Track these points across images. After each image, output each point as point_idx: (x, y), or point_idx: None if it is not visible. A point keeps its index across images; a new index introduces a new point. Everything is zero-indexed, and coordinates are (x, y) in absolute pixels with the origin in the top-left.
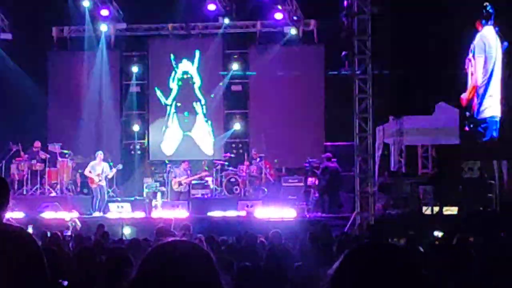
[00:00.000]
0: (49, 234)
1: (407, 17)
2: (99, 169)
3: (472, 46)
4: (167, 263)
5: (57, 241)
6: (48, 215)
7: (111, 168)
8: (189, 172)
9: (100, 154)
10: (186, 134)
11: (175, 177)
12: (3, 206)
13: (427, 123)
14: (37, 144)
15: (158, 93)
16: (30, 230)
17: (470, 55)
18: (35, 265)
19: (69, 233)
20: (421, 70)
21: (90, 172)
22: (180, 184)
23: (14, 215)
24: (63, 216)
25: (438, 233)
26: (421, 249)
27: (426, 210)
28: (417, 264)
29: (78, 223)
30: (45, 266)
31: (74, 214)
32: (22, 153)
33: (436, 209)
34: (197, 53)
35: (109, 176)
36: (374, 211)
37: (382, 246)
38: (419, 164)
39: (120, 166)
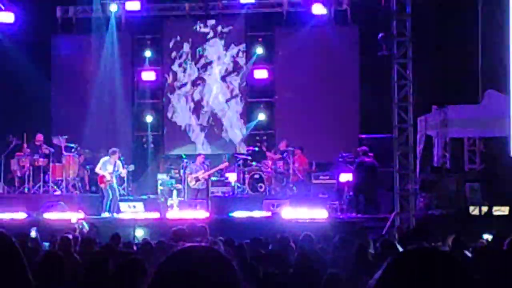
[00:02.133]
0: (58, 238)
1: None
2: (111, 168)
3: None
4: (185, 271)
5: (66, 246)
6: (51, 215)
7: (123, 166)
8: (206, 166)
9: (115, 154)
10: (206, 125)
11: (191, 173)
12: None
13: (474, 113)
14: (40, 137)
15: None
16: (33, 233)
17: None
18: (12, 267)
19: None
20: (468, 53)
21: (100, 169)
22: (197, 180)
23: (15, 215)
24: (69, 217)
25: (487, 236)
26: (468, 254)
27: (474, 210)
28: (470, 274)
29: (86, 225)
30: (26, 269)
31: (81, 215)
32: (24, 147)
33: (484, 209)
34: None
35: (122, 175)
36: (415, 211)
37: (433, 254)
38: (465, 158)
39: (131, 167)
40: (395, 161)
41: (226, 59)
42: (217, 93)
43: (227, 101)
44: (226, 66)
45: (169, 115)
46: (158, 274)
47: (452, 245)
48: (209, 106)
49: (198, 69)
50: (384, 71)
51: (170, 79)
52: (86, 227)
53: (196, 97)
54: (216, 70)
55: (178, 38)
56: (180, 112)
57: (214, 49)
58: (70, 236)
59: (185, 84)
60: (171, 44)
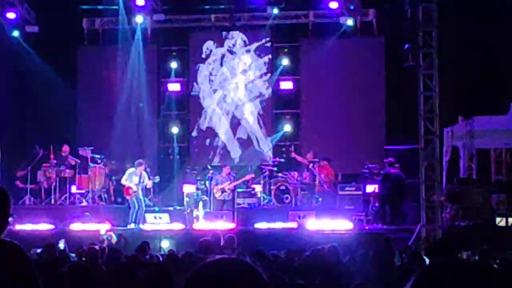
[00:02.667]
0: (85, 249)
1: (477, 5)
2: (136, 179)
3: None
4: (215, 283)
5: (93, 256)
6: (77, 227)
7: (149, 178)
8: (232, 177)
9: (141, 165)
10: (232, 137)
11: (216, 184)
12: (2, 222)
13: (501, 123)
14: (66, 148)
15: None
16: (61, 245)
17: None
18: (24, 279)
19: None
20: (494, 64)
21: (126, 180)
22: (223, 191)
23: (41, 227)
24: (95, 228)
25: None
26: (495, 266)
27: (500, 222)
28: (499, 285)
29: (114, 236)
30: (37, 281)
31: (108, 226)
32: (51, 158)
33: (511, 220)
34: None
35: (148, 186)
36: (441, 222)
37: (461, 266)
38: (492, 170)
39: (157, 178)
40: (421, 172)
41: (252, 70)
42: (242, 104)
43: (252, 111)
44: (251, 77)
45: (194, 126)
46: (187, 286)
47: (479, 257)
48: (234, 117)
49: (223, 80)
50: (410, 82)
51: (195, 90)
52: (115, 239)
53: (221, 108)
54: (242, 81)
55: (204, 49)
56: (206, 123)
57: (239, 60)
58: (97, 247)
59: (210, 95)
60: (197, 55)
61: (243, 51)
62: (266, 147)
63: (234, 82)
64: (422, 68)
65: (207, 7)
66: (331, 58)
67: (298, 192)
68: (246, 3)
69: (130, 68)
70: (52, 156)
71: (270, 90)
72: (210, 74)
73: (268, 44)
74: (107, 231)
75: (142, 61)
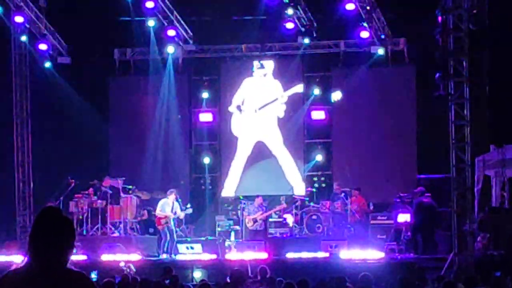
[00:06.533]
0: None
1: (508, 33)
2: (169, 209)
3: None
4: None
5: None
6: (109, 257)
7: (181, 209)
8: (264, 208)
9: (173, 194)
10: (263, 166)
11: (248, 215)
12: (68, 250)
13: None
14: (107, 181)
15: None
16: (93, 276)
17: None
18: None
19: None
20: None
21: (160, 211)
22: (255, 221)
23: (74, 257)
24: (126, 259)
25: None
26: None
27: None
28: None
29: (133, 267)
30: None
31: (132, 257)
32: (91, 190)
33: None
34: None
35: (180, 217)
36: (473, 252)
37: None
38: None
39: (190, 210)
40: (453, 201)
41: (283, 100)
42: (274, 133)
43: (284, 141)
44: (283, 107)
45: (227, 156)
46: None
47: None
48: (266, 147)
49: (255, 110)
50: (442, 111)
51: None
52: (134, 270)
53: (254, 138)
54: (274, 111)
55: (235, 79)
56: (238, 153)
57: (271, 89)
58: (129, 278)
59: (242, 125)
60: (228, 85)
61: (274, 81)
62: (296, 177)
63: (265, 111)
64: (453, 97)
65: (238, 36)
66: (362, 87)
67: (330, 221)
68: (277, 32)
69: (162, 98)
70: (83, 187)
71: (301, 119)
72: (242, 103)
73: (299, 74)
74: (127, 262)
75: (174, 91)
